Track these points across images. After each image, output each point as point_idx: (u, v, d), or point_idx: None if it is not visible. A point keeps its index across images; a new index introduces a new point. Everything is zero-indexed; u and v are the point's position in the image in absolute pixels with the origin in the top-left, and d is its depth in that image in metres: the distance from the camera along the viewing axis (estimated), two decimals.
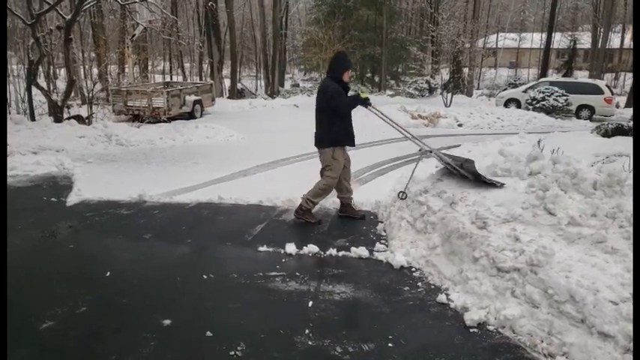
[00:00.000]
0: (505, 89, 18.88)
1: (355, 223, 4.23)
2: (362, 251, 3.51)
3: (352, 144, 4.22)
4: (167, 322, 2.58)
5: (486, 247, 2.93)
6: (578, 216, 2.97)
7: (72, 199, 4.83)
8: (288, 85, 25.67)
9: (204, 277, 3.15)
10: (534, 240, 2.83)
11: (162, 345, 2.40)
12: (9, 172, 5.79)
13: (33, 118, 9.55)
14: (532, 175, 3.54)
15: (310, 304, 2.81)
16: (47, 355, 2.35)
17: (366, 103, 4.03)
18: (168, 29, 15.31)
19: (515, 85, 19.84)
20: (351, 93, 4.25)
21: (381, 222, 4.18)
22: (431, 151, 4.06)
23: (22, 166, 6.01)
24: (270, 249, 3.60)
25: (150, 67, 20.53)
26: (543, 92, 14.04)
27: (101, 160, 7.04)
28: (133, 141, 8.38)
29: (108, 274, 3.16)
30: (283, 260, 3.43)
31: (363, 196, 4.92)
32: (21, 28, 12.71)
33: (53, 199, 4.93)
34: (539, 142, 5.21)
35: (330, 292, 2.95)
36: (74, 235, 3.99)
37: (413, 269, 3.27)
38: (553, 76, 23.40)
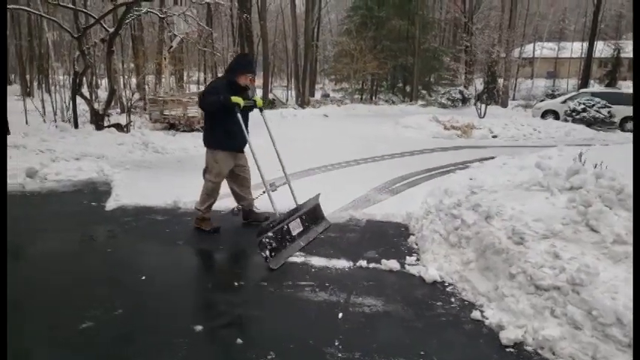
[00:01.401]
0: (542, 100, 18.34)
1: (385, 235, 4.17)
2: (393, 264, 3.45)
3: (235, 149, 3.95)
4: (199, 327, 2.62)
5: (524, 264, 2.82)
6: (624, 234, 2.81)
7: (110, 205, 5.02)
8: (318, 95, 25.91)
9: (235, 284, 3.18)
10: (576, 258, 2.70)
11: (193, 350, 2.43)
12: (55, 177, 6.11)
13: (76, 126, 10.04)
14: (572, 189, 3.39)
15: (340, 315, 2.78)
16: (84, 355, 2.43)
17: (232, 108, 3.62)
18: (203, 40, 15.78)
19: (553, 96, 19.25)
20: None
21: (413, 234, 4.10)
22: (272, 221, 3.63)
23: (65, 172, 6.32)
24: (300, 259, 3.60)
25: (185, 78, 21.23)
26: (584, 103, 13.53)
27: (138, 167, 7.29)
28: (169, 149, 8.64)
29: (143, 278, 3.25)
30: (313, 270, 3.42)
31: (393, 207, 4.87)
32: (67, 41, 13.48)
33: (93, 203, 5.14)
34: (580, 155, 4.96)
35: (360, 305, 2.91)
36: (112, 239, 4.14)
37: (446, 284, 3.18)
38: (595, 87, 22.52)
